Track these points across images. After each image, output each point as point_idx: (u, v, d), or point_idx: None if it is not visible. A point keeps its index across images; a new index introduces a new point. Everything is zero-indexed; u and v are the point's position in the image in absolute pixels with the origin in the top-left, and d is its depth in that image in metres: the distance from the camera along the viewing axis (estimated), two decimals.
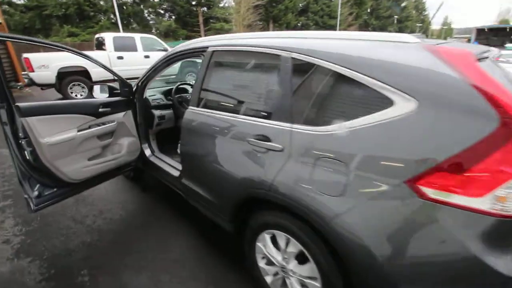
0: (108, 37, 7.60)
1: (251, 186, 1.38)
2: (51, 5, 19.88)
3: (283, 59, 1.30)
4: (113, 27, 19.76)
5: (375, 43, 1.10)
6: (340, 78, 1.11)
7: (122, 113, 2.24)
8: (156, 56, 8.50)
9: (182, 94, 2.79)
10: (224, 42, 1.65)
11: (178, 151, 2.40)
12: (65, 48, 1.82)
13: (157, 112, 2.57)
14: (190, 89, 2.99)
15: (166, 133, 2.82)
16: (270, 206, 1.38)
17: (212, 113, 1.63)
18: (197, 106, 1.74)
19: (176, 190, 2.17)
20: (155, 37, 8.68)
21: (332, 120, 1.12)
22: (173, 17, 27.49)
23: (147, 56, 8.08)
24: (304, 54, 1.23)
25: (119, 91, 2.26)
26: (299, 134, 1.19)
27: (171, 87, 2.93)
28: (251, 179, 1.37)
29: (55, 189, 1.91)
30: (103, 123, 2.08)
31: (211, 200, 1.69)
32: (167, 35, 25.46)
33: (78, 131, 1.90)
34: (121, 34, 8.76)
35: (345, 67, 1.08)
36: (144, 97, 2.46)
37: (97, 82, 7.40)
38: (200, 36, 25.82)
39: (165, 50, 8.43)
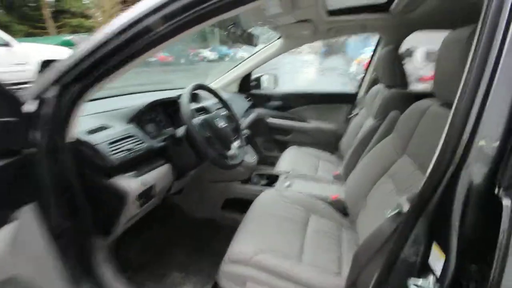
0: None
1: None
2: None
3: None
4: None
5: None
6: None
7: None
8: None
9: (205, 116, 1.10)
10: None
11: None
12: None
13: (133, 183, 0.83)
14: (208, 99, 1.21)
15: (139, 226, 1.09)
16: None
17: None
18: None
19: None
20: None
21: None
22: (1, 8, 19.76)
23: None
24: None
25: None
26: None
27: (169, 96, 1.16)
28: None
29: None
30: None
31: None
32: None
33: None
34: None
35: None
36: (76, 139, 0.70)
37: None
38: (48, 34, 19.54)
39: (7, 45, 5.22)
